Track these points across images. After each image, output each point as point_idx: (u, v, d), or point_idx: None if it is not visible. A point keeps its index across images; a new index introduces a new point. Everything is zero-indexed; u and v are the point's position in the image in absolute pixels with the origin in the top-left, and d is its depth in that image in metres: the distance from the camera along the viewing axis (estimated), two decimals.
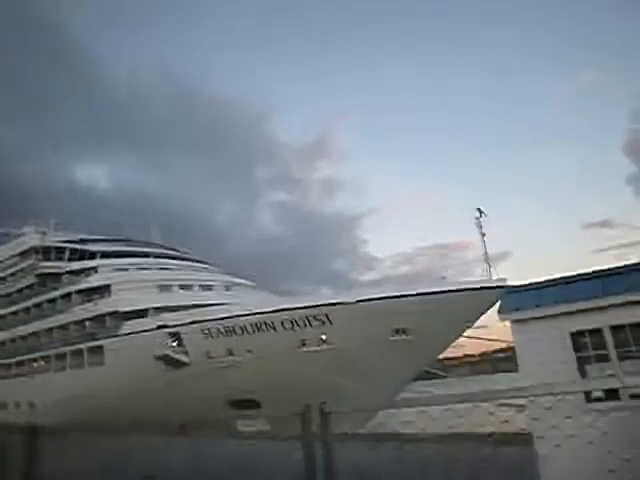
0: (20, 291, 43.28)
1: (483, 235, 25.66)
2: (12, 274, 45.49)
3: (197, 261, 40.38)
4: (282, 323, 25.65)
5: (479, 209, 25.74)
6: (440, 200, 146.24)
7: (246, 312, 26.32)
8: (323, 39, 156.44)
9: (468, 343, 30.13)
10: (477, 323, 26.54)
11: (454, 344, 28.17)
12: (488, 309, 25.66)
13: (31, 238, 45.11)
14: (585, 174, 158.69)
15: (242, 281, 38.50)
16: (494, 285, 24.49)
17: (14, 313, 43.27)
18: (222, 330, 26.93)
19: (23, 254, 44.62)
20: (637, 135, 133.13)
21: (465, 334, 27.11)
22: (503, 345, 36.46)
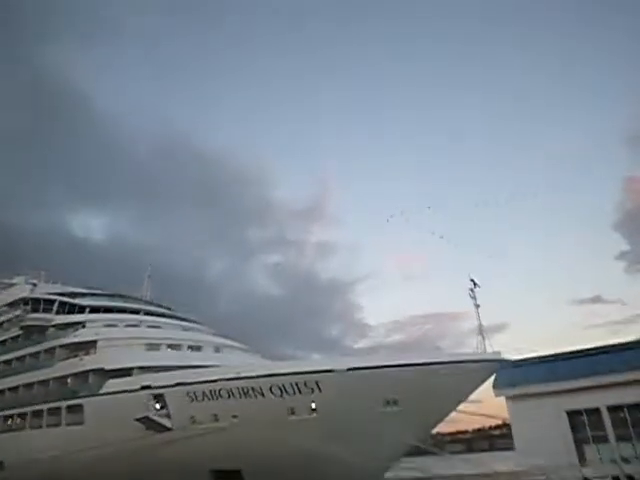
0: (4, 343, 42.23)
1: (477, 306, 25.50)
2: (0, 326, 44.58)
3: (187, 320, 39.79)
4: (271, 389, 24.85)
5: (473, 280, 25.77)
6: (434, 266, 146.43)
7: (234, 376, 25.57)
8: (320, 102, 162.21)
9: (462, 418, 29.23)
10: (472, 397, 25.88)
11: (448, 419, 27.27)
12: (482, 383, 25.11)
13: (21, 289, 44.61)
14: (576, 249, 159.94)
15: (232, 343, 37.79)
16: (489, 359, 24.10)
17: None
18: (208, 394, 26.02)
19: (11, 305, 43.91)
20: (627, 211, 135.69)
21: (459, 408, 26.31)
22: (499, 421, 35.39)
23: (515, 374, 22.34)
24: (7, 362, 40.76)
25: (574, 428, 22.03)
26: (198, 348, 34.32)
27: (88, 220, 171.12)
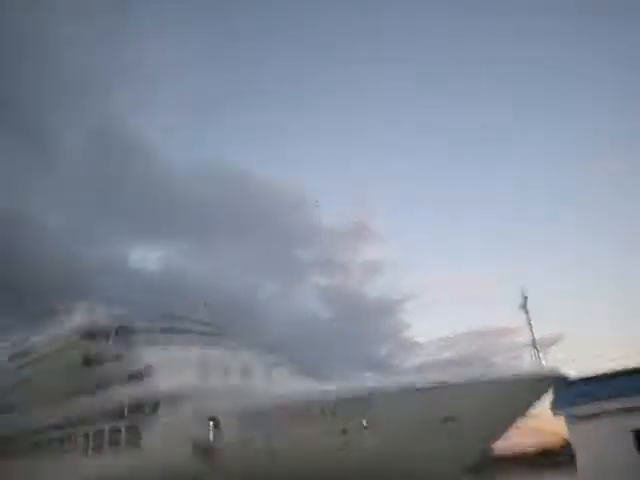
0: (65, 371, 44.02)
1: (530, 320, 24.91)
2: (60, 353, 46.56)
3: (239, 343, 40.40)
4: (323, 409, 24.95)
5: (524, 293, 25.23)
6: (484, 281, 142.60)
7: (286, 397, 25.82)
8: (364, 127, 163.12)
9: (520, 435, 28.34)
10: (529, 413, 25.15)
11: (504, 436, 26.55)
12: (539, 399, 24.36)
13: (80, 318, 46.62)
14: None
15: (284, 364, 38.06)
16: (544, 374, 23.43)
17: (57, 392, 43.76)
18: (260, 416, 26.36)
19: (72, 334, 45.85)
20: None
21: (516, 425, 25.61)
22: (559, 439, 34.09)
23: (574, 390, 21.58)
24: (68, 390, 42.42)
25: None
26: (250, 370, 34.74)
27: (145, 252, 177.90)
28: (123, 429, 33.61)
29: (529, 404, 24.08)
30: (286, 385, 31.56)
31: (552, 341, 25.02)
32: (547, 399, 24.49)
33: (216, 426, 27.99)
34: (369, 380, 28.83)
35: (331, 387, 26.49)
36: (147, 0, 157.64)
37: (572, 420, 24.91)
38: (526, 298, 25.03)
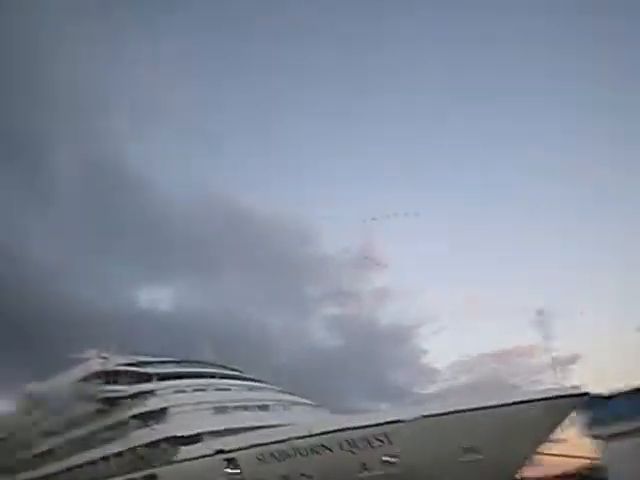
0: (81, 417, 43.61)
1: (547, 338, 24.33)
2: (74, 400, 46.21)
3: (253, 379, 39.95)
4: (340, 445, 24.30)
5: (540, 310, 24.76)
6: (498, 302, 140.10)
7: (302, 434, 25.21)
8: (366, 155, 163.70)
9: (547, 460, 27.28)
10: (556, 437, 24.27)
11: (532, 462, 25.60)
12: (564, 420, 23.56)
13: (93, 363, 46.37)
14: None
15: (299, 399, 37.52)
16: (568, 394, 22.72)
17: (74, 441, 43.29)
18: (277, 454, 25.77)
19: (85, 379, 45.58)
20: None
21: (542, 450, 24.69)
22: (588, 461, 32.69)
23: (602, 410, 20.84)
24: (85, 436, 41.96)
25: None
26: (265, 407, 34.20)
27: (154, 292, 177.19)
28: (139, 478, 32.89)
29: (553, 427, 23.27)
30: (301, 419, 30.96)
31: (572, 360, 24.38)
32: (572, 420, 23.76)
33: (236, 467, 27.32)
34: (386, 412, 28.18)
35: (348, 420, 25.87)
36: (141, 27, 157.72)
37: (601, 439, 24.01)
38: (543, 315, 24.54)
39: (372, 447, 23.81)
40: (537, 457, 25.15)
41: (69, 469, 42.13)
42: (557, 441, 24.73)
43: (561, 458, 28.63)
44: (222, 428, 30.32)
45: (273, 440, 26.08)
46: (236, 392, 36.08)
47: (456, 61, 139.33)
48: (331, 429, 24.80)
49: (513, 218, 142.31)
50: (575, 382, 23.13)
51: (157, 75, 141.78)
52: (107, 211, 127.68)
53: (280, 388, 39.29)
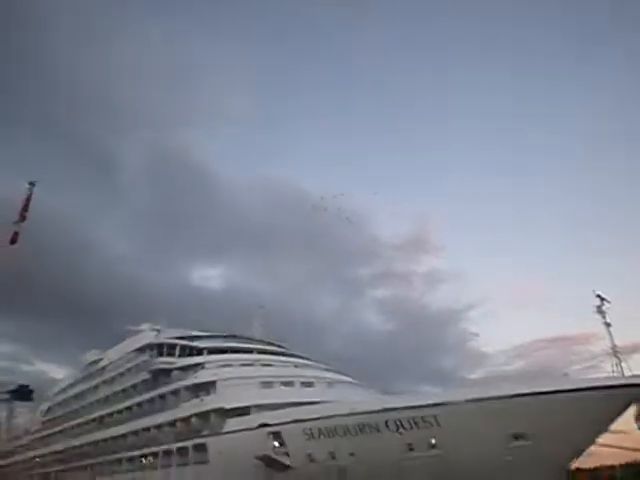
0: (135, 386, 45.49)
1: (608, 325, 23.10)
2: (129, 369, 48.25)
3: (298, 356, 40.26)
4: (387, 424, 24.09)
5: (599, 295, 23.50)
6: (555, 286, 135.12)
7: (349, 412, 25.15)
8: (417, 140, 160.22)
9: (604, 452, 26.10)
10: (614, 427, 23.11)
11: (586, 453, 24.54)
12: (623, 411, 22.38)
13: (147, 335, 48.21)
14: None
15: (344, 378, 37.49)
16: (628, 383, 21.52)
17: (129, 408, 45.25)
18: (324, 431, 25.86)
19: (139, 350, 47.42)
20: None
21: (599, 441, 23.58)
22: None
23: None
24: (138, 405, 43.75)
25: None
26: (311, 384, 34.39)
27: (206, 271, 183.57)
28: (190, 448, 33.96)
29: (613, 417, 22.16)
30: (347, 397, 30.94)
31: (633, 348, 23.01)
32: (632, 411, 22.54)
33: (281, 441, 27.66)
34: (434, 394, 27.71)
35: (395, 400, 25.61)
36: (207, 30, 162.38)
37: None
38: (603, 301, 23.29)
39: (419, 428, 23.49)
40: (592, 448, 24.11)
41: (123, 435, 44.08)
42: (613, 432, 23.59)
43: (616, 450, 27.34)
44: (268, 402, 30.74)
45: (319, 416, 26.16)
46: (282, 368, 36.44)
47: None
48: (378, 408, 24.62)
49: (571, 207, 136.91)
50: (636, 371, 21.89)
51: (220, 76, 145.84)
52: (170, 199, 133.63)
53: (326, 366, 39.43)
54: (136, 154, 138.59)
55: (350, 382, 37.28)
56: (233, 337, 43.15)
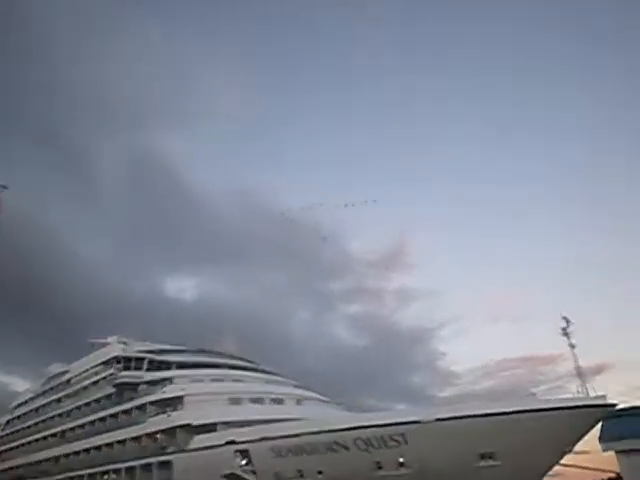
0: (99, 400, 44.24)
1: (572, 346, 23.61)
2: (94, 383, 46.93)
3: (269, 372, 39.89)
4: (355, 442, 23.95)
5: (565, 317, 24.03)
6: (524, 307, 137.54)
7: (317, 430, 24.94)
8: (397, 157, 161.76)
9: (568, 472, 26.46)
10: (578, 448, 23.49)
11: (552, 472, 24.83)
12: (587, 432, 22.79)
13: (114, 348, 46.99)
14: None
15: (314, 395, 37.27)
16: (592, 404, 21.93)
17: (92, 423, 43.92)
18: (292, 449, 25.55)
19: (105, 363, 46.20)
20: None
21: (564, 461, 23.92)
22: (612, 474, 31.63)
23: (626, 423, 19.98)
24: (102, 419, 42.51)
25: None
26: (280, 401, 34.06)
27: (180, 282, 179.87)
28: (155, 465, 33.08)
29: (577, 437, 22.52)
30: (316, 414, 30.71)
31: (598, 370, 23.51)
32: (595, 432, 22.94)
33: (248, 459, 27.23)
34: (403, 412, 27.73)
35: (364, 418, 25.50)
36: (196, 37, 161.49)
37: (624, 454, 23.09)
38: (568, 323, 23.79)
39: (387, 447, 23.42)
40: (557, 468, 24.40)
41: (86, 451, 42.70)
42: (578, 452, 23.99)
43: (581, 470, 27.74)
44: (236, 419, 30.26)
45: (287, 434, 25.86)
46: (252, 384, 36.02)
47: None
48: (347, 426, 24.48)
49: (544, 222, 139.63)
50: (601, 392, 22.34)
51: (216, 76, 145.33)
52: (147, 205, 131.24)
53: (296, 382, 39.14)
54: (116, 156, 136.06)
55: (319, 399, 37.07)
56: (203, 352, 42.55)
